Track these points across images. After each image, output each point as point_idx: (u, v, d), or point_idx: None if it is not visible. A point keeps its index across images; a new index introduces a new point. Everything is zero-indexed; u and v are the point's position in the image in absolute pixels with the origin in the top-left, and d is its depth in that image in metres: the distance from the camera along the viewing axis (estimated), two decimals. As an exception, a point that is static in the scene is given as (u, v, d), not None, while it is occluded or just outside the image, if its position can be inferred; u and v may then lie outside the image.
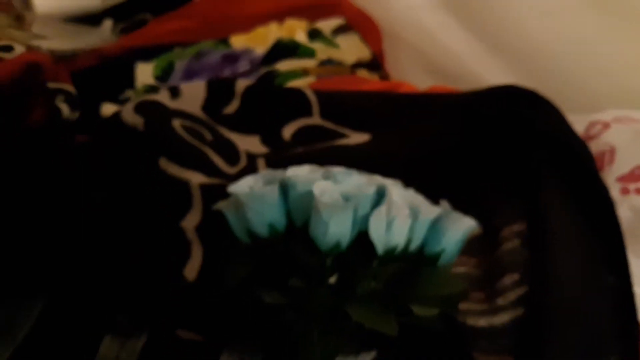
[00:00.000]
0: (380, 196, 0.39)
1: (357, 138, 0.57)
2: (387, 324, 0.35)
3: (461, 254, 0.52)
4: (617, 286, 0.47)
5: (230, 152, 0.54)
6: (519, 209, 0.52)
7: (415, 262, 0.41)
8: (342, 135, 0.58)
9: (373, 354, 0.53)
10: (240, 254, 0.41)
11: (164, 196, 0.49)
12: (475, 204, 0.54)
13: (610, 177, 0.55)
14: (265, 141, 0.57)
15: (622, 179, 0.54)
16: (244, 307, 0.47)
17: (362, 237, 0.38)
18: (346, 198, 0.36)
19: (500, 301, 0.48)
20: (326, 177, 0.39)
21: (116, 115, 0.53)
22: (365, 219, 0.37)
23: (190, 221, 0.48)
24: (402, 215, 0.37)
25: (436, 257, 0.40)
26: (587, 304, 0.47)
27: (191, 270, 0.48)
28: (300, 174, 0.40)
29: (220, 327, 0.51)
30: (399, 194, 0.39)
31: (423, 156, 0.55)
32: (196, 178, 0.48)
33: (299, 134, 0.58)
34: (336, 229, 0.35)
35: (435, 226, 0.40)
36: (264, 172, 0.40)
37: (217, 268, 0.46)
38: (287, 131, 0.58)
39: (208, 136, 0.53)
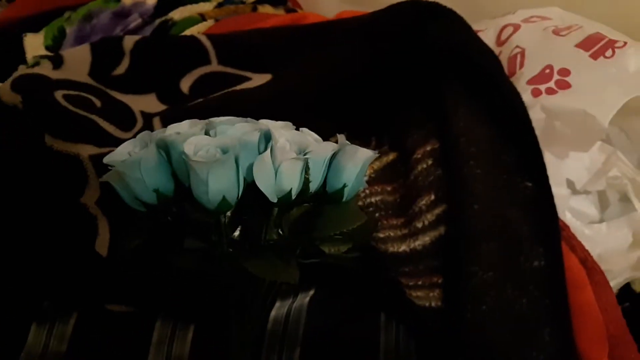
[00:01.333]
0: (267, 142, 0.37)
1: (258, 80, 0.54)
2: (287, 273, 0.34)
3: (376, 182, 0.51)
4: (535, 191, 0.47)
5: (123, 116, 0.50)
6: (431, 129, 0.51)
7: (319, 201, 0.39)
8: (244, 79, 0.55)
9: (311, 292, 0.53)
10: (134, 223, 0.39)
11: (57, 174, 0.46)
12: (387, 129, 0.53)
13: (522, 80, 0.54)
14: (162, 98, 0.54)
15: (533, 80, 0.53)
16: (163, 275, 0.46)
17: (254, 187, 0.36)
18: (224, 150, 0.34)
19: (419, 224, 0.47)
20: (206, 130, 0.36)
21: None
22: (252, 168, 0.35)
23: (90, 196, 0.46)
24: (288, 159, 0.35)
25: (339, 193, 0.39)
26: (506, 212, 0.46)
27: (102, 245, 0.46)
28: (180, 130, 0.38)
29: (147, 296, 0.49)
30: (286, 137, 0.36)
31: (328, 88, 0.53)
32: (86, 150, 0.45)
33: (198, 84, 0.55)
34: (217, 185, 0.33)
35: (333, 163, 0.39)
36: (141, 135, 0.37)
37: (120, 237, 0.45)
38: (185, 83, 0.55)
39: (97, 102, 0.50)
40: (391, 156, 0.52)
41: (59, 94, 0.49)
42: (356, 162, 0.39)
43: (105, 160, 0.36)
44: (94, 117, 0.48)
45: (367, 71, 0.54)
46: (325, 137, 0.45)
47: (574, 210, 0.51)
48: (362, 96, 0.53)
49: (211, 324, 0.49)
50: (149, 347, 0.49)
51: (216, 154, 0.33)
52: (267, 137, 0.37)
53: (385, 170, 0.50)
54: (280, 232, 0.39)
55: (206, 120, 0.39)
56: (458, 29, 0.54)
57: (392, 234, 0.47)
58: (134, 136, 0.49)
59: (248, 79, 0.54)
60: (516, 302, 0.44)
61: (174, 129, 0.37)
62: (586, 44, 0.52)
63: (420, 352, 0.48)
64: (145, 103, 0.53)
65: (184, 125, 0.38)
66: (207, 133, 0.37)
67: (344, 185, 0.39)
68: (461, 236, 0.46)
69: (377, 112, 0.54)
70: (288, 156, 0.35)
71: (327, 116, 0.52)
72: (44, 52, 0.66)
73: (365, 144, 0.55)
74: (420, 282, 0.47)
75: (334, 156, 0.39)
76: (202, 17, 0.65)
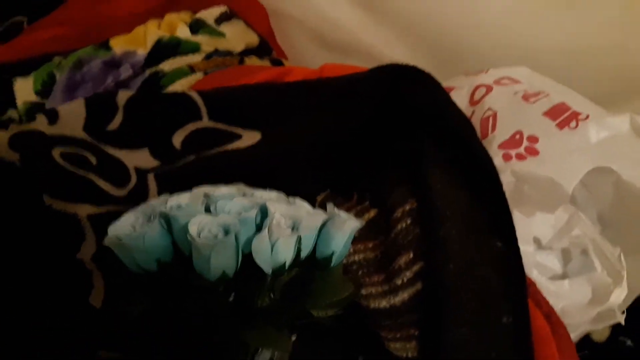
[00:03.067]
0: (263, 215, 0.40)
1: (248, 138, 0.57)
2: (282, 342, 0.37)
3: (358, 240, 0.54)
4: (505, 250, 0.51)
5: (118, 173, 0.53)
6: (409, 189, 0.54)
7: (309, 267, 0.42)
8: (234, 136, 0.58)
9: (293, 338, 0.56)
10: (135, 285, 0.41)
11: (55, 232, 0.48)
12: (369, 188, 0.57)
13: (494, 144, 0.58)
14: (154, 153, 0.56)
15: (504, 145, 0.57)
16: (154, 330, 0.48)
17: (250, 257, 0.39)
18: (226, 230, 0.36)
19: (398, 280, 0.50)
20: (207, 204, 0.39)
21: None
22: (251, 241, 0.38)
23: (86, 252, 0.48)
24: (284, 235, 0.38)
25: (328, 259, 0.42)
26: (479, 271, 0.50)
27: (96, 298, 0.48)
28: (181, 203, 0.40)
29: (138, 344, 0.51)
30: (281, 211, 0.39)
31: (314, 150, 0.56)
32: (84, 210, 0.48)
33: (189, 140, 0.57)
34: (219, 262, 0.36)
35: (323, 231, 0.42)
36: (143, 206, 0.40)
37: (118, 298, 0.46)
38: (177, 139, 0.57)
39: (92, 160, 0.52)
40: (372, 213, 0.55)
41: (56, 152, 0.50)
42: (344, 232, 0.42)
43: (111, 232, 0.38)
44: (90, 175, 0.50)
45: (350, 134, 0.57)
46: (312, 195, 0.48)
47: (539, 265, 0.55)
48: (345, 156, 0.57)
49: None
50: None
51: (218, 233, 0.36)
52: (262, 210, 0.40)
53: (366, 228, 0.53)
54: (272, 296, 0.42)
55: (205, 190, 0.41)
56: (436, 94, 0.58)
57: (373, 290, 0.50)
58: (129, 193, 0.52)
59: (238, 136, 0.57)
60: (487, 356, 0.48)
61: (174, 200, 0.40)
62: (553, 113, 0.57)
63: None
64: (139, 158, 0.55)
65: (185, 198, 0.40)
66: (207, 207, 0.39)
67: (333, 253, 0.42)
68: (437, 293, 0.49)
69: (359, 170, 0.58)
70: (284, 233, 0.38)
71: (312, 175, 0.55)
72: (33, 97, 0.67)
73: (347, 200, 0.58)
74: (398, 335, 0.50)
75: (323, 224, 0.42)
76: (191, 69, 0.67)
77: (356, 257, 0.52)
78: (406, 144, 0.56)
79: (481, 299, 0.49)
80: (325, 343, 0.52)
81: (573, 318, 0.54)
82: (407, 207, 0.53)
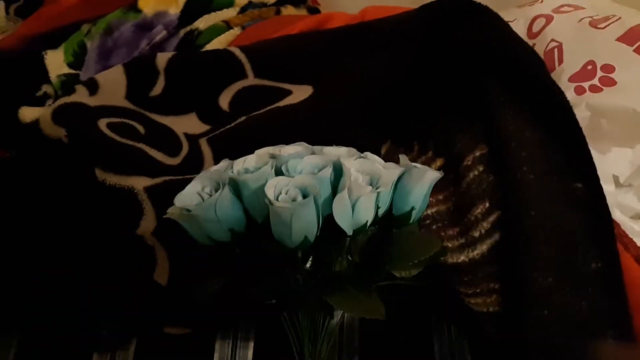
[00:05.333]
0: (337, 174, 0.36)
1: (299, 93, 0.53)
2: (373, 308, 0.34)
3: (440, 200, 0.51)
4: (587, 192, 0.47)
5: (168, 140, 0.50)
6: (478, 134, 0.50)
7: (387, 225, 0.39)
8: (284, 92, 0.54)
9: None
10: (205, 262, 0.39)
11: (112, 208, 0.45)
12: (433, 135, 0.53)
13: (564, 78, 0.53)
14: (203, 117, 0.53)
15: (575, 77, 0.53)
16: (226, 304, 0.46)
17: (328, 218, 0.36)
18: (304, 192, 0.33)
19: (475, 233, 0.47)
20: (277, 167, 0.36)
21: (35, 129, 0.48)
22: (328, 201, 0.35)
23: (146, 227, 0.45)
24: (364, 193, 0.35)
25: (407, 216, 0.39)
26: (562, 216, 0.47)
27: (161, 275, 0.46)
28: (249, 166, 0.37)
29: (207, 318, 0.50)
30: (356, 167, 0.36)
31: (371, 97, 0.52)
32: (140, 182, 0.45)
33: (237, 100, 0.54)
34: (300, 227, 0.33)
35: (399, 186, 0.38)
36: (208, 172, 0.37)
37: (187, 273, 0.44)
38: (224, 100, 0.54)
39: (140, 129, 0.49)
40: (438, 162, 0.52)
41: (102, 124, 0.48)
42: (423, 184, 0.39)
43: (178, 203, 0.36)
44: (141, 145, 0.47)
45: (408, 75, 0.53)
46: (373, 148, 0.45)
47: (620, 205, 0.52)
48: (403, 101, 0.53)
49: (270, 339, 0.50)
50: None
51: (297, 196, 0.33)
52: (336, 168, 0.37)
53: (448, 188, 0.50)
54: (350, 258, 0.40)
55: (269, 151, 0.38)
56: (496, 26, 0.53)
57: (449, 244, 0.47)
58: (183, 161, 0.49)
59: (288, 91, 0.53)
60: (576, 305, 0.45)
61: (240, 164, 0.37)
62: (628, 38, 0.52)
63: (474, 353, 0.48)
64: (187, 124, 0.52)
65: (252, 161, 0.37)
66: (277, 169, 0.36)
67: (412, 208, 0.39)
68: (519, 242, 0.46)
69: (419, 117, 0.54)
70: (364, 191, 0.35)
71: (370, 125, 0.52)
72: (66, 69, 0.64)
73: (408, 151, 0.55)
74: (478, 290, 0.47)
75: (399, 179, 0.38)
76: (227, 25, 0.63)
77: (429, 211, 0.48)
78: (468, 85, 0.52)
79: (566, 245, 0.46)
80: (401, 301, 0.50)
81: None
82: (477, 153, 0.49)
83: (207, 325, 0.50)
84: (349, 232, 0.35)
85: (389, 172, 0.37)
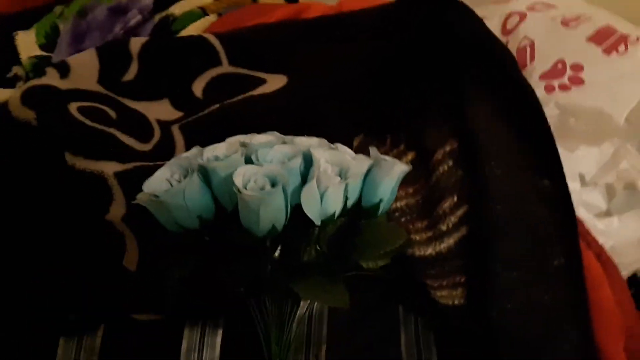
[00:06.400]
0: (307, 164, 0.37)
1: (274, 82, 0.53)
2: (337, 296, 0.34)
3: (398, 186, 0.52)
4: (553, 189, 0.48)
5: (140, 126, 0.49)
6: (449, 128, 0.51)
7: (355, 216, 0.40)
8: (259, 81, 0.54)
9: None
10: (174, 248, 0.39)
11: (81, 192, 0.45)
12: (405, 129, 0.53)
13: (534, 75, 0.54)
14: (175, 104, 0.53)
15: (545, 75, 0.53)
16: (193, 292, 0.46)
17: (297, 208, 0.36)
18: (272, 181, 0.34)
19: (443, 226, 0.48)
20: (247, 155, 0.36)
21: (3, 110, 0.47)
22: (297, 191, 0.35)
23: (115, 213, 0.45)
24: (333, 183, 0.35)
25: (375, 207, 0.39)
26: (527, 212, 0.48)
27: (130, 261, 0.46)
28: (219, 153, 0.37)
29: (176, 305, 0.49)
30: (325, 158, 0.36)
31: (345, 88, 0.52)
32: (109, 167, 0.45)
33: (210, 87, 0.54)
34: (268, 216, 0.33)
35: (368, 178, 0.39)
36: (178, 159, 0.37)
37: (155, 259, 0.44)
38: (198, 87, 0.54)
39: (112, 114, 0.49)
40: (409, 156, 0.52)
41: (73, 107, 0.47)
42: (392, 177, 0.39)
43: (146, 188, 0.35)
44: (112, 130, 0.47)
45: (382, 68, 0.53)
46: (344, 140, 0.45)
47: (585, 203, 0.53)
48: (378, 94, 0.53)
49: (239, 327, 0.50)
50: (179, 355, 0.49)
51: (265, 185, 0.33)
52: (306, 158, 0.37)
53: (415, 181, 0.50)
54: (318, 248, 0.40)
55: (240, 139, 0.38)
56: (470, 22, 0.54)
57: (417, 237, 0.48)
58: (154, 147, 0.49)
59: (263, 80, 0.53)
60: (539, 299, 0.46)
61: (210, 152, 0.37)
62: (598, 38, 0.53)
63: (440, 345, 0.49)
64: (160, 110, 0.51)
65: (222, 148, 0.37)
66: (246, 157, 0.36)
67: (380, 200, 0.39)
68: (484, 237, 0.47)
69: (392, 111, 0.54)
70: (332, 182, 0.35)
71: (345, 117, 0.52)
72: (38, 51, 0.63)
73: (381, 143, 0.55)
74: (444, 283, 0.48)
75: (368, 170, 0.39)
76: (203, 11, 0.63)
77: (398, 204, 0.49)
78: (440, 79, 0.52)
79: (531, 241, 0.47)
80: (363, 296, 0.50)
81: (623, 257, 0.52)
82: (448, 148, 0.50)
83: (175, 312, 0.50)
84: (317, 222, 0.35)
85: (358, 163, 0.38)
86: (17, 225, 0.46)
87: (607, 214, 0.53)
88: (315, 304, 0.53)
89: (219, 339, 0.49)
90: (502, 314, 0.45)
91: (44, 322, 0.49)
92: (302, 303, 0.53)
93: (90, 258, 0.46)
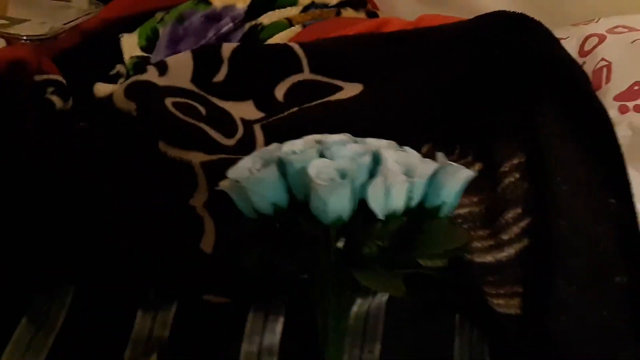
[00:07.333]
0: (376, 162, 0.40)
1: (350, 90, 0.57)
2: (394, 286, 0.37)
3: (463, 194, 0.53)
4: (620, 208, 0.48)
5: (226, 123, 0.54)
6: (518, 143, 0.52)
7: (416, 216, 0.42)
8: (336, 88, 0.58)
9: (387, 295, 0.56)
10: (250, 232, 0.43)
11: (170, 179, 0.50)
12: (475, 141, 0.55)
13: (609, 96, 0.55)
14: (259, 105, 0.57)
15: (620, 96, 0.54)
16: (263, 275, 0.49)
17: (363, 203, 0.39)
18: (342, 174, 0.37)
19: (505, 236, 0.49)
20: (321, 151, 0.39)
21: (109, 102, 0.53)
22: (364, 187, 0.38)
23: (199, 199, 0.50)
24: (398, 181, 0.38)
25: (436, 210, 0.42)
26: (591, 229, 0.48)
27: (207, 243, 0.50)
28: (296, 148, 0.41)
29: (244, 289, 0.53)
30: (393, 158, 0.39)
31: (417, 102, 0.55)
32: (197, 157, 0.49)
33: (291, 92, 0.58)
34: (335, 205, 0.36)
35: (433, 181, 0.41)
36: (260, 151, 0.41)
37: (231, 243, 0.48)
38: (280, 91, 0.58)
39: (202, 110, 0.54)
40: (477, 167, 0.54)
41: (168, 102, 0.52)
42: (456, 181, 0.41)
43: (230, 175, 0.39)
44: (201, 125, 0.52)
45: (454, 84, 0.56)
46: (414, 146, 0.48)
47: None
48: (448, 108, 0.55)
49: (299, 316, 0.53)
50: (242, 336, 0.52)
51: (336, 177, 0.36)
52: (375, 157, 0.40)
53: (471, 182, 0.52)
54: (379, 244, 0.42)
55: (316, 137, 0.42)
56: (548, 42, 0.55)
57: (479, 244, 0.49)
58: (237, 143, 0.54)
59: (340, 88, 0.57)
60: (597, 315, 0.46)
61: (289, 146, 0.41)
62: (677, 62, 0.53)
63: (493, 355, 0.50)
64: (244, 110, 0.56)
65: (299, 144, 0.41)
66: (320, 153, 0.40)
67: (443, 202, 0.42)
68: (546, 249, 0.48)
69: (463, 122, 0.56)
70: (398, 179, 0.37)
71: (415, 127, 0.54)
72: (139, 52, 0.70)
73: (448, 154, 0.57)
74: (502, 291, 0.49)
75: (435, 173, 0.41)
76: (290, 22, 0.67)
77: (461, 211, 0.51)
78: (514, 95, 0.54)
79: (592, 257, 0.47)
80: (425, 294, 0.52)
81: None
82: (516, 161, 0.51)
83: (243, 297, 0.53)
84: (381, 216, 0.38)
85: (424, 165, 0.40)
86: (113, 204, 0.51)
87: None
88: (373, 302, 0.55)
89: (279, 326, 0.52)
90: (558, 326, 0.46)
91: (126, 295, 0.54)
92: (360, 300, 0.56)
93: (172, 239, 0.51)
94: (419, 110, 0.55)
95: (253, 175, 0.39)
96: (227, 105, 0.56)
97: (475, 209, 0.52)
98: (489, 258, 0.49)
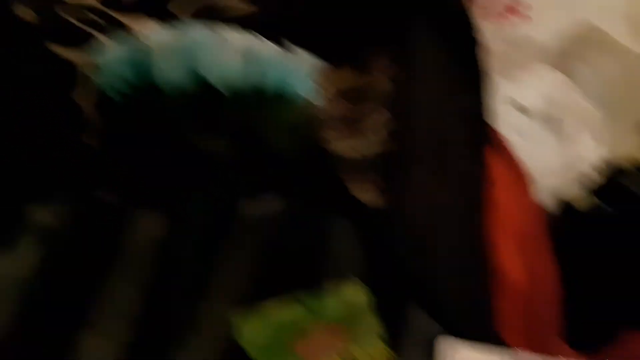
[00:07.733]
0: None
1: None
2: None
3: (339, 101, 0.57)
4: (470, 104, 0.53)
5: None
6: (389, 51, 0.56)
7: (265, 100, 0.46)
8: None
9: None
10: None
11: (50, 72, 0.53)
12: (350, 47, 0.59)
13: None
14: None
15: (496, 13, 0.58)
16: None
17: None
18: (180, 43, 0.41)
19: (368, 134, 0.53)
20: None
21: (8, 10, 0.57)
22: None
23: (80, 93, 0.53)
24: (234, 52, 0.42)
25: (280, 91, 0.46)
26: (444, 123, 0.53)
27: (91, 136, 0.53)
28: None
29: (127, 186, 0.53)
30: (234, 37, 0.44)
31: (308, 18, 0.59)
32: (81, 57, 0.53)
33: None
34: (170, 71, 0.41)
35: (277, 65, 0.45)
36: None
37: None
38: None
39: (102, 23, 0.58)
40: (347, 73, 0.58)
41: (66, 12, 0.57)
42: (301, 66, 0.46)
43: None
44: (96, 33, 0.56)
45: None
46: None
47: (515, 126, 0.57)
48: (339, 25, 0.59)
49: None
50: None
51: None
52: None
53: (347, 92, 0.56)
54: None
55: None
56: None
57: (344, 144, 0.53)
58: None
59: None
60: (447, 202, 0.50)
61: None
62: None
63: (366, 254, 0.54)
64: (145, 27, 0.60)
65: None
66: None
67: (290, 86, 0.46)
68: (405, 147, 0.52)
69: (354, 43, 0.60)
70: (233, 49, 0.42)
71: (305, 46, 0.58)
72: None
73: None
74: (368, 185, 0.53)
75: (279, 57, 0.45)
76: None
77: (334, 113, 0.55)
78: (388, 12, 0.58)
79: (442, 148, 0.52)
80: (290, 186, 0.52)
81: (546, 178, 0.55)
82: (384, 65, 0.55)
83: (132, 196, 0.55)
84: (216, 85, 0.43)
85: (265, 46, 0.45)
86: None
87: (538, 138, 0.57)
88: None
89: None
90: (414, 210, 0.50)
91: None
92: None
93: (53, 132, 0.52)
94: (309, 29, 0.59)
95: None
96: (128, 22, 0.60)
97: (347, 114, 0.56)
98: (354, 153, 0.53)
